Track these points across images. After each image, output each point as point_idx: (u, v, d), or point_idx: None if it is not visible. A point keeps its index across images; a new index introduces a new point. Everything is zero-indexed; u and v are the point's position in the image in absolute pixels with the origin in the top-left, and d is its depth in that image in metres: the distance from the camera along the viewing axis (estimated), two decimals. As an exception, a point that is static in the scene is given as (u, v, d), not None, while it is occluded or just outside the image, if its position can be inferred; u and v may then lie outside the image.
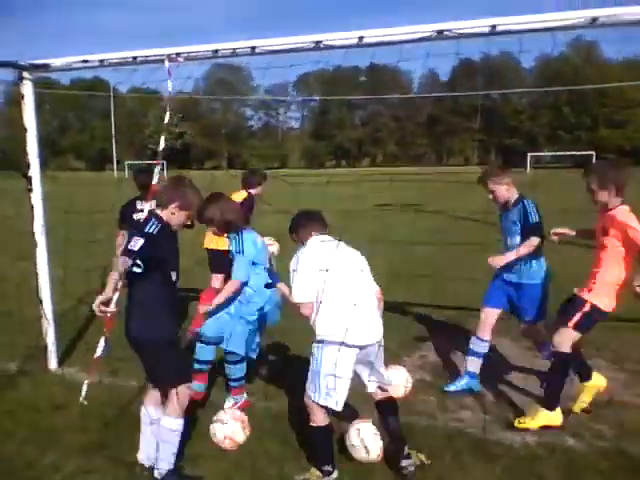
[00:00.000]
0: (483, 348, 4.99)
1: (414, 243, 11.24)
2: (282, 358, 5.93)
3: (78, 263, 7.45)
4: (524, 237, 4.71)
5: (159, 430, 3.66)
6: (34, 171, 5.44)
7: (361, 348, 3.62)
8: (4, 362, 5.82)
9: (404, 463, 3.71)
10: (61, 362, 5.81)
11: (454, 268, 9.72)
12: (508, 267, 4.79)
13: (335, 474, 3.68)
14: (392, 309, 7.48)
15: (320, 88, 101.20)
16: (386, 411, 3.88)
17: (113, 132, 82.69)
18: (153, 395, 3.86)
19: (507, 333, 6.54)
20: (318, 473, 3.67)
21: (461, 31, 4.08)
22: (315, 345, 3.65)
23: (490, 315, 4.98)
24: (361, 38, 4.31)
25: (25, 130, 5.33)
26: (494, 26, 4.01)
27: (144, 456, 3.85)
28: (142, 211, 5.50)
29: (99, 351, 4.52)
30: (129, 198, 6.20)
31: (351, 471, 3.79)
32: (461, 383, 5.03)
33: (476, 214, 11.40)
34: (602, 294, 4.21)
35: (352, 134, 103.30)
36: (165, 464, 3.64)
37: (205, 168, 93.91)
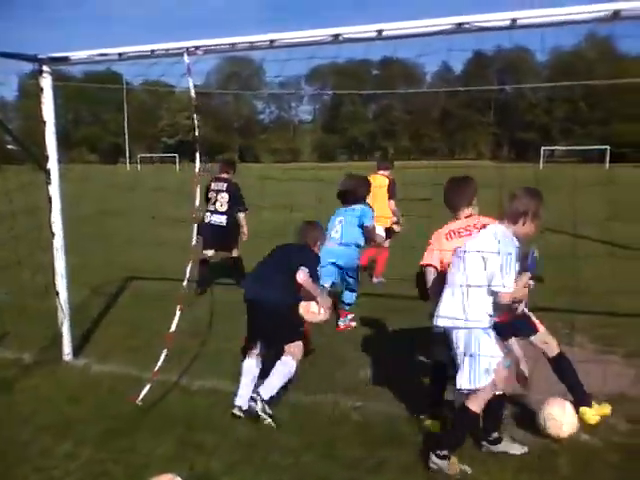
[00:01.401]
0: None
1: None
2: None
3: (93, 255, 7.49)
4: None
5: (276, 367, 4.52)
6: (52, 164, 5.49)
7: None
8: (20, 352, 5.89)
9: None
10: (76, 353, 5.87)
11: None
12: None
13: None
14: (409, 303, 7.52)
15: (332, 81, 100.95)
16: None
17: (125, 125, 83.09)
18: (256, 351, 4.70)
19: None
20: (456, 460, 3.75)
21: (481, 24, 4.05)
22: (471, 332, 3.69)
23: None
24: (380, 31, 4.29)
25: (44, 123, 5.37)
26: (514, 19, 3.98)
27: (242, 402, 4.46)
28: None
29: (160, 362, 4.67)
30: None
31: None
32: None
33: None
34: None
35: (365, 128, 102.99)
36: (268, 392, 4.40)
37: (217, 162, 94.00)
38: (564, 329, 6.52)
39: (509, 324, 4.00)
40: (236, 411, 4.45)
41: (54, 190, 5.53)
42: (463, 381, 3.69)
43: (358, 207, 6.75)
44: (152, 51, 4.81)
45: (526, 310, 4.26)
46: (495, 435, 3.94)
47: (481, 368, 3.63)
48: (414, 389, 4.93)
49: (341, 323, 6.83)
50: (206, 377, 5.22)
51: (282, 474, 3.72)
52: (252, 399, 4.36)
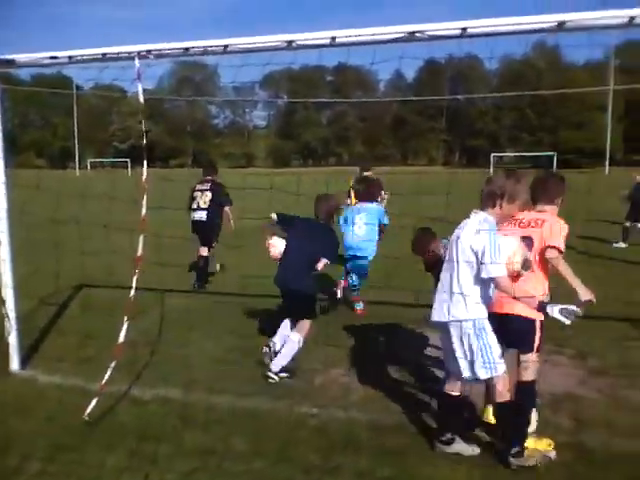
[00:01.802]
0: None
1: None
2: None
3: (42, 263, 7.28)
4: None
5: (286, 343, 5.36)
6: (-1, 168, 5.31)
7: None
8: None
9: None
10: (24, 364, 5.69)
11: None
12: None
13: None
14: (377, 309, 7.57)
15: (286, 87, 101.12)
16: None
17: (75, 129, 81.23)
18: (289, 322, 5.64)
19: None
20: (537, 447, 3.81)
21: (433, 33, 4.14)
22: (475, 325, 3.72)
23: None
24: (334, 38, 4.34)
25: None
26: (465, 29, 4.07)
27: (278, 343, 5.48)
28: None
29: (108, 375, 4.59)
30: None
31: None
32: None
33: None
34: None
35: (318, 133, 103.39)
36: (280, 363, 5.27)
37: (170, 166, 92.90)
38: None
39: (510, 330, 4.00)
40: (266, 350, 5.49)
41: (1, 196, 5.35)
42: (481, 372, 3.74)
43: (374, 207, 7.68)
44: (103, 54, 4.73)
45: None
46: (448, 436, 3.99)
47: (494, 355, 3.71)
48: (371, 394, 4.97)
49: (358, 307, 7.56)
50: (158, 386, 5.12)
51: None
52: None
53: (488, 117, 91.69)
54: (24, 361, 5.72)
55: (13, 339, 5.56)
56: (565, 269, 3.93)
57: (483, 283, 3.74)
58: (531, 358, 3.97)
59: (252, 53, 4.53)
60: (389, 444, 4.09)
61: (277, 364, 5.28)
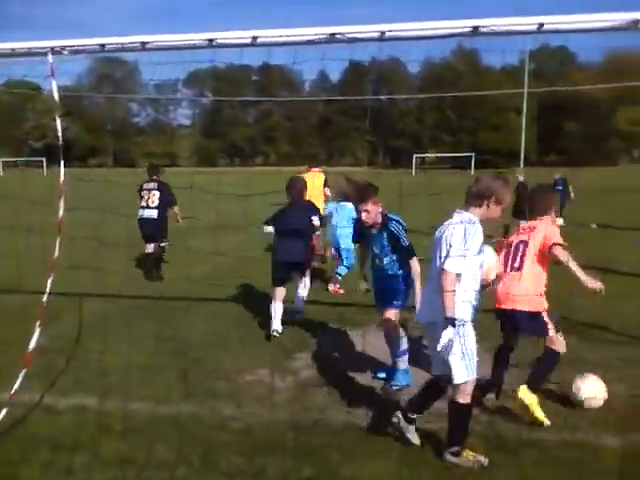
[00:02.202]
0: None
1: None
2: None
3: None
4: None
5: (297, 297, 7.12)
6: None
7: None
8: None
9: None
10: None
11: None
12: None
13: None
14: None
15: (211, 85, 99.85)
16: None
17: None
18: (282, 293, 6.61)
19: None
20: (470, 452, 3.85)
21: (352, 35, 4.19)
22: (456, 327, 3.67)
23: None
24: (255, 38, 4.32)
25: None
26: (383, 32, 4.15)
27: (277, 327, 6.42)
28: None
29: (17, 384, 4.38)
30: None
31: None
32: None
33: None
34: None
35: (245, 132, 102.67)
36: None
37: (89, 166, 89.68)
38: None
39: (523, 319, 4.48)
40: (275, 333, 6.42)
41: None
42: (459, 374, 3.75)
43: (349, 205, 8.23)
44: (12, 49, 4.50)
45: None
46: (456, 448, 3.89)
47: (473, 359, 3.76)
48: (295, 394, 4.98)
49: (331, 287, 8.86)
50: (73, 395, 4.93)
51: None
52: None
53: (410, 118, 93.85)
54: None
55: None
56: (573, 263, 4.41)
57: (467, 283, 3.73)
58: (552, 336, 4.53)
59: (172, 51, 4.45)
60: (312, 443, 4.11)
61: (277, 325, 6.48)
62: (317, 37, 4.17)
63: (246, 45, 4.34)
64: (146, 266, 10.01)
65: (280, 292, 6.64)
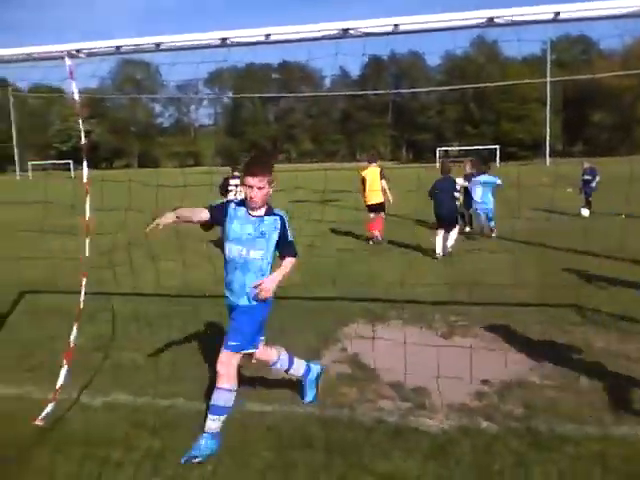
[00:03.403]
0: None
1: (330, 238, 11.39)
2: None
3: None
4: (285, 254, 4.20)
5: None
6: None
7: None
8: None
9: None
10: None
11: (368, 262, 9.95)
12: None
13: None
14: (312, 304, 7.59)
15: (232, 84, 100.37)
16: None
17: (14, 132, 78.53)
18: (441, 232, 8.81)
19: (416, 321, 6.79)
20: None
21: (365, 30, 4.15)
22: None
23: None
24: (268, 35, 4.31)
25: None
26: (397, 25, 4.11)
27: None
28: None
29: (61, 381, 4.46)
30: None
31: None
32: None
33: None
34: None
35: (266, 131, 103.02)
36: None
37: (115, 167, 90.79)
38: (460, 321, 6.82)
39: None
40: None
41: None
42: None
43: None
44: (29, 54, 4.56)
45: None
46: None
47: None
48: (324, 389, 4.97)
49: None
50: (108, 392, 5.00)
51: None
52: None
53: (432, 111, 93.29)
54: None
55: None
56: None
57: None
58: None
59: (187, 50, 4.46)
60: (343, 439, 4.09)
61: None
62: (330, 32, 4.15)
63: (259, 43, 4.34)
64: None
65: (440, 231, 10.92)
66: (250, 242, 3.96)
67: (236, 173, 12.08)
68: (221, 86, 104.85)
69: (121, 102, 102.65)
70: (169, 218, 3.87)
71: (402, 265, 9.48)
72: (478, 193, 13.65)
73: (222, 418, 4.00)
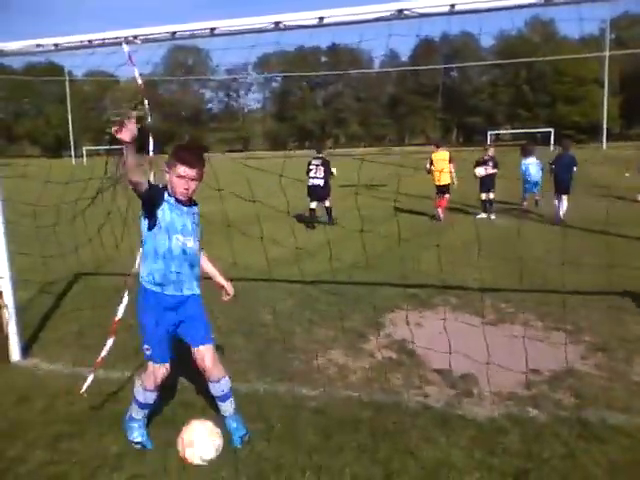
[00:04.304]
0: None
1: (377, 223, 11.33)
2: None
3: (39, 251, 7.26)
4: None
5: None
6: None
7: None
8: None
9: None
10: (25, 353, 5.71)
11: (416, 247, 9.88)
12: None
13: None
14: (358, 289, 7.60)
15: (281, 69, 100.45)
16: None
17: (70, 118, 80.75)
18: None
19: (465, 308, 6.72)
20: None
21: (421, 10, 4.09)
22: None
23: None
24: (321, 19, 4.29)
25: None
26: (453, 5, 4.03)
27: None
28: None
29: (105, 351, 4.56)
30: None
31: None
32: None
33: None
34: None
35: (314, 115, 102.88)
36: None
37: (165, 153, 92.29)
38: (510, 308, 6.73)
39: None
40: None
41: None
42: None
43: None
44: (89, 41, 4.68)
45: None
46: None
47: None
48: (370, 375, 5.00)
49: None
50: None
51: (239, 464, 3.71)
52: None
53: (484, 94, 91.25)
54: (24, 351, 5.73)
55: (13, 329, 5.57)
56: None
57: None
58: None
59: (239, 35, 4.49)
60: (389, 424, 4.11)
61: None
62: (384, 14, 4.10)
63: (312, 26, 4.33)
64: (310, 216, 13.93)
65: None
66: (191, 232, 3.87)
67: (319, 155, 14.25)
68: (270, 71, 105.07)
69: (172, 88, 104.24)
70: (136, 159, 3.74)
71: (452, 249, 9.38)
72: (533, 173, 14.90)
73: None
